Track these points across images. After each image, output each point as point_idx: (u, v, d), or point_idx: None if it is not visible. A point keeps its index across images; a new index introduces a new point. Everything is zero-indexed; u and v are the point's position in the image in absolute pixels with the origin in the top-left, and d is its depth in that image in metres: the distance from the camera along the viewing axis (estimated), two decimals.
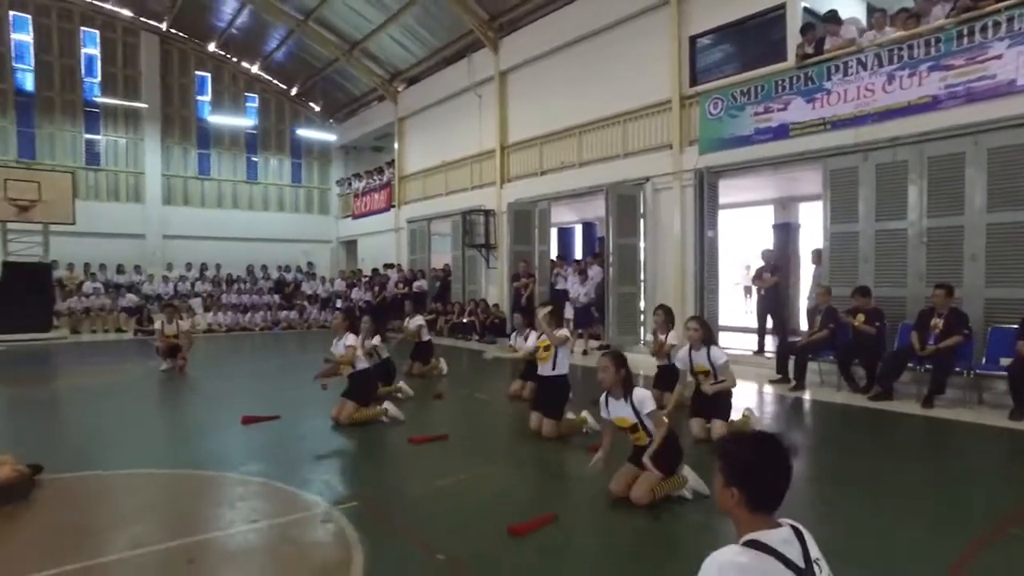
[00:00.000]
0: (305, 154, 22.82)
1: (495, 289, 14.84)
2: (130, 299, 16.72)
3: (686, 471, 3.93)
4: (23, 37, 17.96)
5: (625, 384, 3.94)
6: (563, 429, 5.45)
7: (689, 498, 3.86)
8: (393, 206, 19.14)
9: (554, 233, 15.53)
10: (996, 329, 6.73)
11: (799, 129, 8.74)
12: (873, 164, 7.95)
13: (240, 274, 19.52)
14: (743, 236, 15.82)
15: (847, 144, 8.18)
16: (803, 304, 10.82)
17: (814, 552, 1.61)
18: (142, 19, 19.22)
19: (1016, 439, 5.52)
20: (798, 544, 1.59)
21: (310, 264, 21.40)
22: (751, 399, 7.19)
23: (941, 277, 6.99)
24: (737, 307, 17.05)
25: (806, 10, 9.28)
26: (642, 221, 11.25)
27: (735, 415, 5.46)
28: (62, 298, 15.85)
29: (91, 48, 18.85)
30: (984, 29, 6.96)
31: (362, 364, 6.26)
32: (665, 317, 6.78)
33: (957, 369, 6.51)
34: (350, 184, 22.05)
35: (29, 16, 17.87)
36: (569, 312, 11.41)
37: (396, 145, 19.15)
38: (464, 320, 14.36)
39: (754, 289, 10.68)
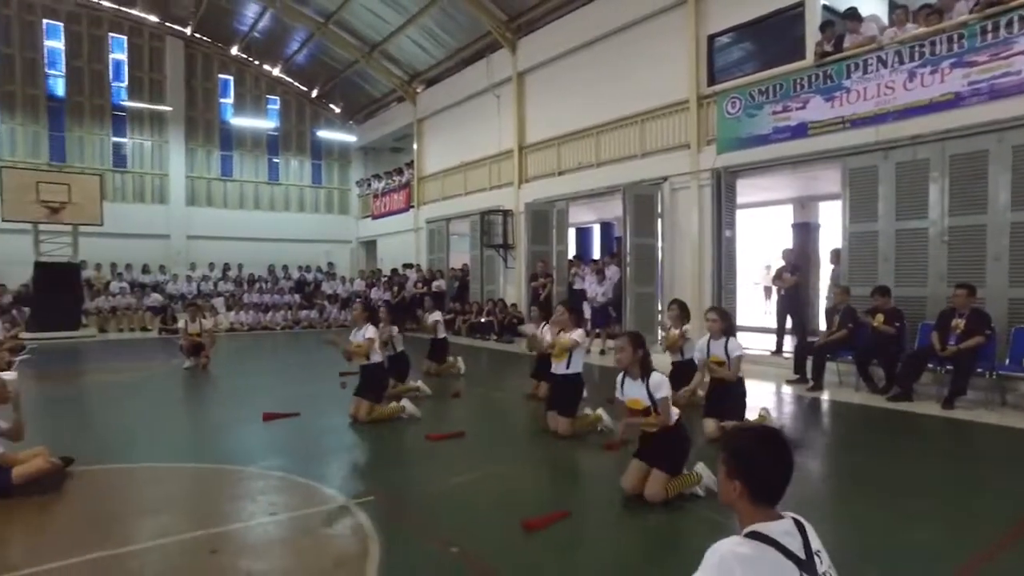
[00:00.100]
0: (325, 155, 23.10)
1: (513, 289, 14.89)
2: (155, 298, 17.08)
3: (700, 467, 3.95)
4: (55, 44, 18.48)
5: (643, 365, 3.94)
6: (578, 427, 5.49)
7: (702, 495, 3.88)
8: (412, 206, 19.29)
9: (572, 233, 15.55)
10: (1020, 330, 6.62)
11: (818, 128, 8.67)
12: (893, 162, 7.86)
13: (262, 274, 19.84)
14: (763, 236, 15.68)
15: (867, 142, 8.09)
16: (823, 304, 10.70)
17: (815, 544, 1.63)
18: (167, 24, 19.65)
19: None
20: (799, 536, 1.62)
21: (330, 264, 21.67)
22: (769, 399, 7.15)
23: (963, 277, 6.88)
24: (757, 307, 16.91)
25: (825, 7, 9.17)
26: (660, 221, 11.21)
27: (751, 415, 5.44)
28: (90, 297, 16.28)
29: (119, 53, 19.34)
30: (1009, 24, 6.84)
31: (376, 357, 6.34)
32: (680, 312, 6.76)
33: (979, 370, 6.40)
34: (369, 185, 22.25)
35: (61, 24, 18.37)
36: (587, 312, 11.42)
37: (415, 146, 19.31)
38: (482, 320, 14.45)
39: (774, 289, 10.60)
